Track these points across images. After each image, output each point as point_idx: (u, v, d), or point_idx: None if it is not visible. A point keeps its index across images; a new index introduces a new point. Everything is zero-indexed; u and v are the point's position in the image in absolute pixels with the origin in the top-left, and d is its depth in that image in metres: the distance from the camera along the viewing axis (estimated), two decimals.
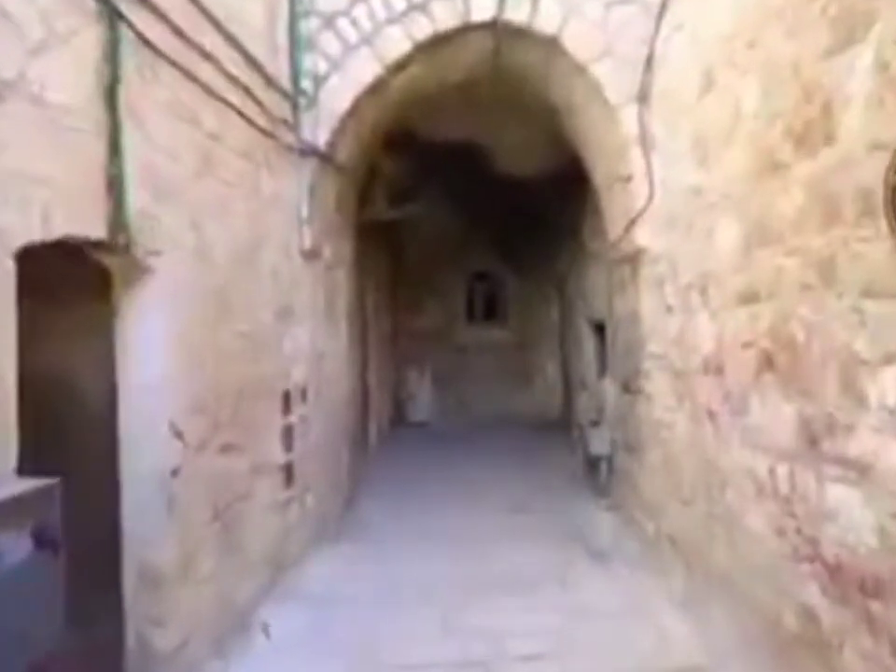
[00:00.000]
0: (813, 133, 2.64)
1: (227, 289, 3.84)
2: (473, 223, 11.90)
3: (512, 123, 8.17)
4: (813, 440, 2.70)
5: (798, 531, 2.86)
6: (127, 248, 2.82)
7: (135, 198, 2.86)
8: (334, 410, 6.10)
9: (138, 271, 3.06)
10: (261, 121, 4.32)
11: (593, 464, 6.95)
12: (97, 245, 2.72)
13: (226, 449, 3.78)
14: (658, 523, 5.03)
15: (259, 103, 4.27)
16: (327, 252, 5.78)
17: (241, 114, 4.01)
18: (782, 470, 2.98)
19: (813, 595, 2.77)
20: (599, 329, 7.87)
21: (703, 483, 4.07)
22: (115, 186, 2.72)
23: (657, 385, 4.97)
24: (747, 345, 3.31)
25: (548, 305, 12.70)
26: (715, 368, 3.80)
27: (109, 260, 2.94)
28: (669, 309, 4.62)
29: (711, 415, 3.89)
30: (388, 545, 5.54)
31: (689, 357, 4.24)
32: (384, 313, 11.08)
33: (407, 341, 12.87)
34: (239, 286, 4.02)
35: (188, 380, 3.36)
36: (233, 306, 3.93)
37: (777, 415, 3.02)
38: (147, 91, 3.04)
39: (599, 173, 6.03)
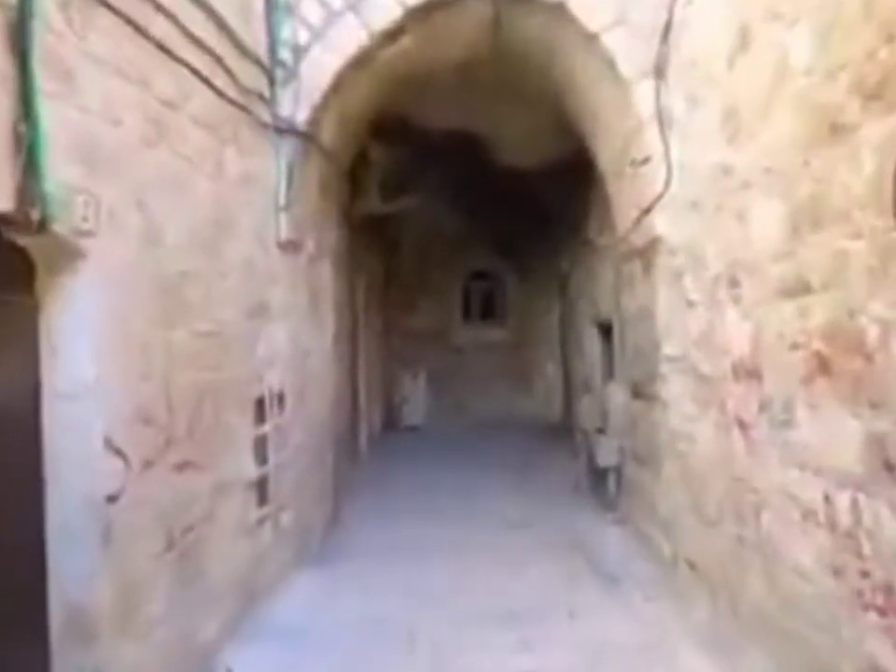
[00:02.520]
0: (892, 84, 2.13)
1: (184, 281, 3.32)
2: (471, 218, 11.37)
3: (513, 110, 7.65)
4: (889, 464, 2.18)
5: (864, 574, 2.35)
6: (44, 225, 2.29)
7: (56, 165, 2.34)
8: (318, 416, 5.57)
9: (66, 255, 2.54)
10: (231, 93, 3.79)
11: (599, 474, 6.43)
12: (4, 220, 2.20)
13: (183, 466, 3.25)
14: (675, 544, 4.52)
15: (228, 71, 3.75)
16: (309, 244, 5.26)
17: (206, 81, 3.48)
18: (842, 498, 2.47)
19: (884, 652, 2.26)
20: (605, 329, 7.36)
21: (732, 504, 3.56)
22: (26, 149, 2.20)
23: (675, 390, 4.46)
24: (793, 346, 2.80)
25: (548, 304, 12.19)
26: (749, 372, 3.28)
27: (25, 241, 2.41)
28: (690, 305, 4.10)
29: (743, 427, 3.38)
30: (375, 567, 5.01)
31: (715, 359, 3.73)
32: (376, 312, 10.55)
33: (400, 341, 12.34)
34: (200, 278, 3.49)
35: (130, 387, 2.83)
36: (192, 301, 3.41)
37: (835, 431, 2.51)
38: (77, 40, 2.51)
39: (608, 158, 5.52)
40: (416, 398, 12.15)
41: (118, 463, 2.71)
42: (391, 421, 11.65)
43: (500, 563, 5.08)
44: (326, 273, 5.91)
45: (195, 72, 3.35)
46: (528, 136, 8.21)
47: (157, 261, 3.07)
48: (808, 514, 2.73)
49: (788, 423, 2.87)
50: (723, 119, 3.56)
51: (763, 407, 3.11)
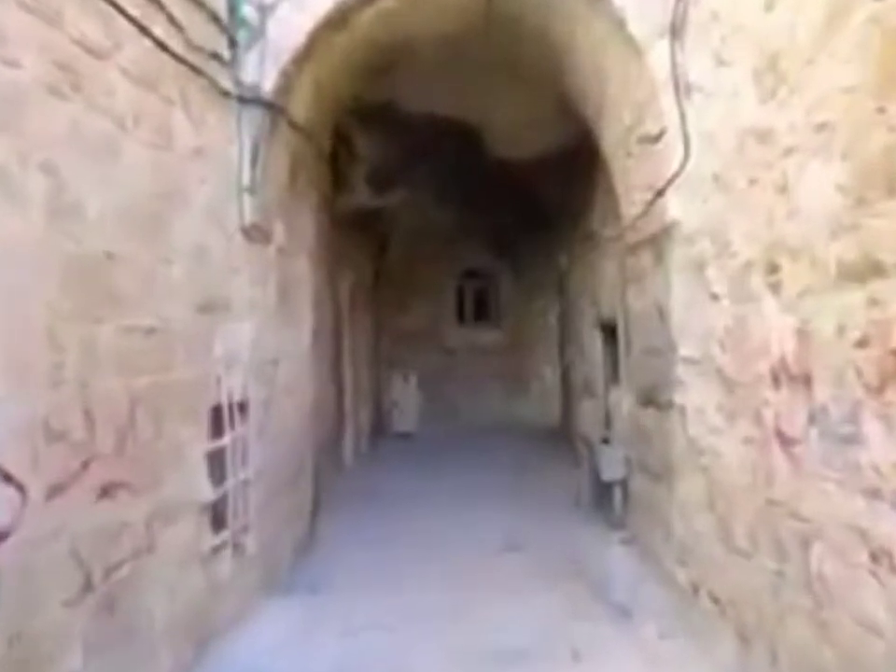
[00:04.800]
0: None
1: (112, 266, 2.75)
2: (463, 214, 10.81)
3: (508, 93, 7.10)
4: None
5: None
6: None
7: None
8: (291, 425, 5.00)
9: None
10: (176, 47, 3.22)
11: (603, 488, 5.86)
12: None
13: (108, 490, 2.68)
14: (695, 572, 3.95)
15: (172, 20, 3.18)
16: (279, 232, 4.68)
17: (141, 28, 2.91)
18: None
19: None
20: (608, 329, 6.80)
21: (768, 532, 3.00)
22: None
23: (694, 397, 3.90)
24: (860, 343, 2.24)
25: (545, 304, 11.64)
26: (793, 376, 2.72)
27: None
28: (714, 298, 3.54)
29: (785, 441, 2.82)
30: (355, 597, 4.42)
31: (746, 360, 3.17)
32: (363, 312, 9.97)
33: (390, 343, 11.78)
34: (135, 263, 2.92)
35: (29, 395, 2.26)
36: (125, 291, 2.83)
37: None
38: None
39: (614, 137, 4.96)
40: (407, 402, 11.57)
41: (7, 491, 2.13)
42: (381, 427, 11.06)
43: (496, 591, 4.51)
44: (301, 267, 5.34)
45: (125, 14, 2.77)
46: (524, 123, 7.66)
47: (73, 239, 2.50)
48: (880, 554, 2.17)
49: (851, 438, 2.31)
50: (756, 77, 3.01)
51: (815, 418, 2.55)
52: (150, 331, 3.03)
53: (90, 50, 2.60)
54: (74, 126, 2.50)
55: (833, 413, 2.42)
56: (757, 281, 3.02)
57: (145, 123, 2.98)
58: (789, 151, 2.69)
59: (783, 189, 2.75)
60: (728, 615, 3.50)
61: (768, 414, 2.96)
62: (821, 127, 2.44)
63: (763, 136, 2.93)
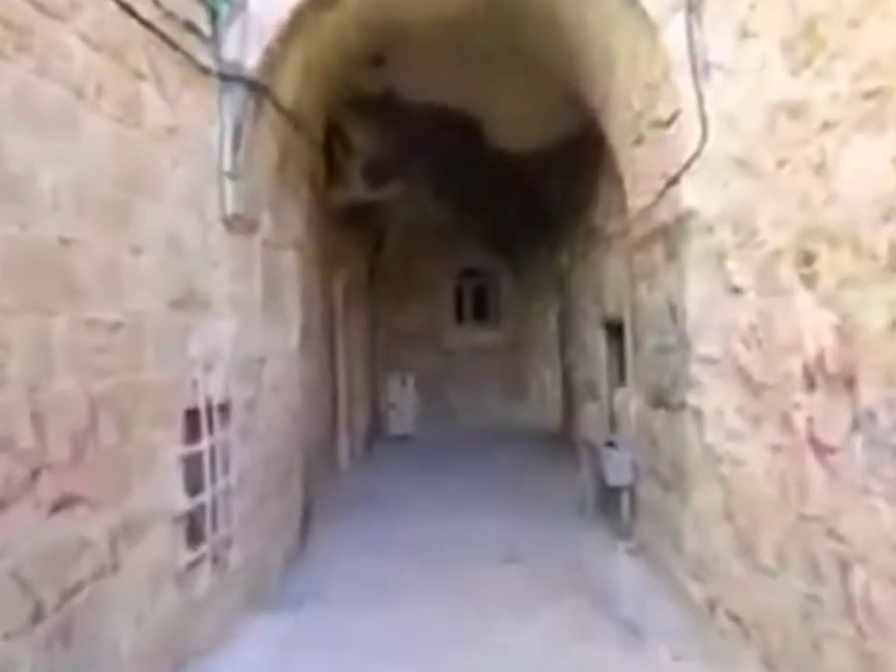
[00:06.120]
0: None
1: (69, 254, 2.45)
2: (462, 209, 10.51)
3: (510, 83, 6.79)
4: None
5: None
6: None
7: None
8: (279, 428, 4.70)
9: None
10: (144, 12, 2.92)
11: (608, 494, 5.57)
12: None
13: (63, 504, 2.38)
14: (712, 588, 3.67)
15: None
16: (265, 223, 4.39)
17: None
18: None
19: None
20: (613, 328, 6.50)
21: (800, 550, 2.72)
22: None
23: (711, 398, 3.61)
24: None
25: (546, 303, 11.34)
26: (831, 376, 2.44)
27: None
28: (736, 292, 3.25)
29: (821, 450, 2.53)
30: (347, 612, 4.12)
31: (774, 359, 2.88)
32: (358, 310, 9.66)
33: (387, 343, 11.47)
34: (97, 251, 2.62)
35: None
36: (84, 281, 2.54)
37: None
38: None
39: (623, 123, 4.67)
40: (405, 404, 11.26)
41: None
42: (377, 429, 10.75)
43: (495, 607, 4.21)
44: (290, 261, 5.04)
45: None
46: (526, 114, 7.36)
47: (18, 222, 2.20)
48: None
49: None
50: (787, 47, 2.72)
51: (859, 424, 2.27)
52: (116, 327, 2.74)
53: (41, 8, 2.31)
54: (20, 92, 2.20)
55: (883, 419, 2.13)
56: (787, 272, 2.74)
57: (108, 95, 2.68)
58: (827, 126, 2.40)
59: (820, 168, 2.46)
60: (751, 637, 3.22)
61: (800, 419, 2.67)
62: (870, 95, 2.15)
63: (796, 111, 2.65)
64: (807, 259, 2.57)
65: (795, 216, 2.66)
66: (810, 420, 2.59)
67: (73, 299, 2.47)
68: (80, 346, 2.50)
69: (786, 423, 2.78)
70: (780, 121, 2.78)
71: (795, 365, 2.68)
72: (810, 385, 2.58)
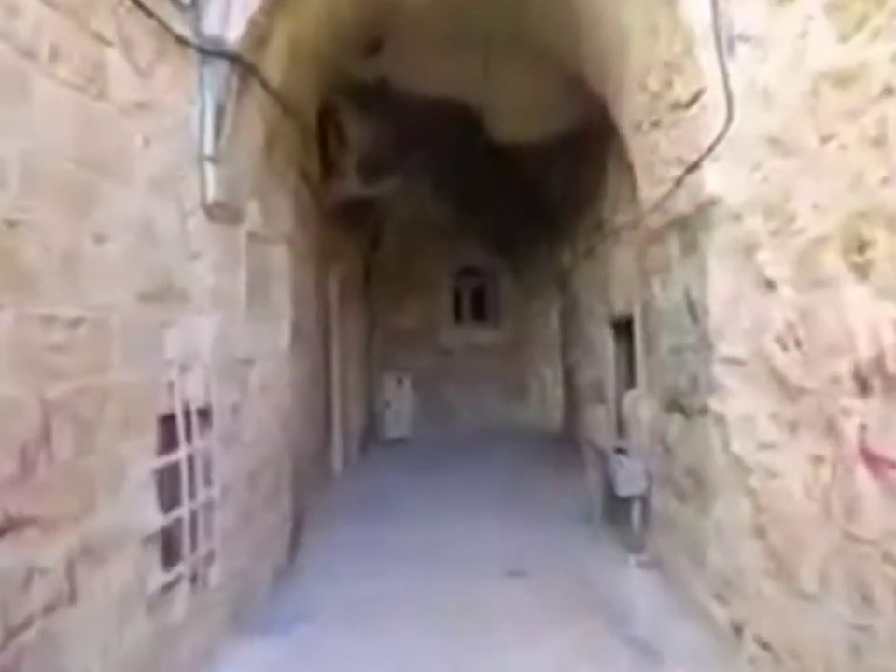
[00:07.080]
0: None
1: (17, 238, 2.13)
2: (461, 206, 10.20)
3: (512, 71, 6.50)
4: None
5: None
6: None
7: None
8: (267, 434, 4.38)
9: None
10: None
11: (618, 503, 5.25)
12: None
13: (9, 528, 2.06)
14: (737, 610, 3.36)
15: None
16: (252, 213, 4.07)
17: None
18: None
19: None
20: (622, 327, 6.19)
21: (848, 575, 2.41)
22: None
23: (738, 403, 3.30)
24: None
25: (546, 302, 11.03)
26: (892, 379, 2.13)
27: None
28: (769, 286, 2.94)
29: (876, 463, 2.23)
30: (339, 633, 3.80)
31: (816, 360, 2.57)
32: (354, 309, 9.34)
33: (383, 342, 11.15)
34: (52, 236, 2.30)
35: None
36: (35, 270, 2.22)
37: None
38: None
39: (636, 106, 4.36)
40: (401, 406, 10.94)
41: None
42: (373, 432, 10.42)
43: (498, 627, 3.89)
44: (281, 256, 4.72)
45: None
46: (528, 104, 7.06)
47: None
48: None
49: None
50: (834, 7, 2.41)
51: None
52: (75, 323, 2.42)
53: None
54: None
55: None
56: (834, 261, 2.43)
57: (66, 60, 2.36)
58: (890, 91, 2.09)
59: (879, 141, 2.15)
60: (785, 667, 2.91)
61: (849, 428, 2.37)
62: None
63: (845, 80, 2.34)
64: (860, 245, 2.27)
65: (845, 197, 2.35)
66: (863, 428, 2.29)
67: (20, 290, 2.15)
68: (30, 345, 2.18)
69: (831, 431, 2.47)
70: (825, 92, 2.47)
71: (844, 366, 2.37)
72: (863, 388, 2.27)
